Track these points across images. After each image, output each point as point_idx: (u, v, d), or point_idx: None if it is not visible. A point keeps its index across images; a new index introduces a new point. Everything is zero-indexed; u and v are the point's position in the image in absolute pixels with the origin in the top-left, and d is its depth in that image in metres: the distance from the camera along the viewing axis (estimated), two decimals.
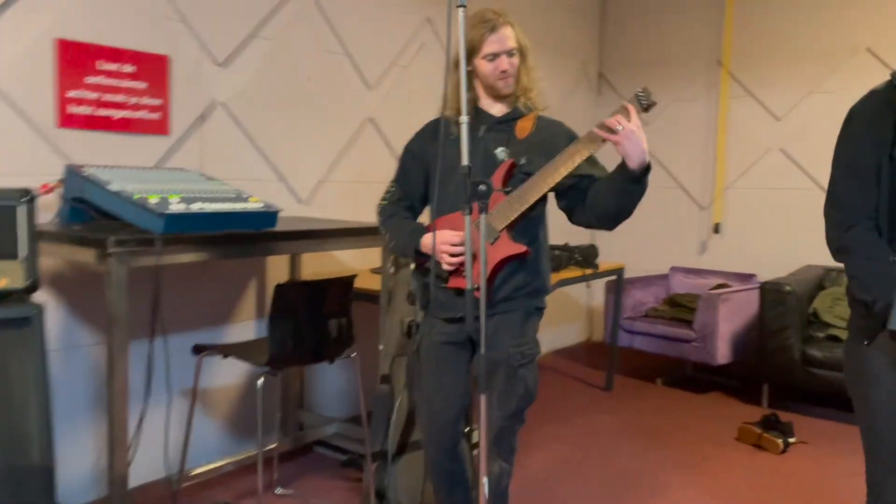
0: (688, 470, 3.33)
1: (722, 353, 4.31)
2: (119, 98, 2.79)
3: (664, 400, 4.41)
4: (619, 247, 4.94)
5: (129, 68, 2.81)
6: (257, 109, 3.28)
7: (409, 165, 2.40)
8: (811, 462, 3.44)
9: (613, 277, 4.56)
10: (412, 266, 2.39)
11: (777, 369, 4.12)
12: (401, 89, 3.98)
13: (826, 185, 1.91)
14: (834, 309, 4.21)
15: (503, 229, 2.18)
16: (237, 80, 3.20)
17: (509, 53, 2.17)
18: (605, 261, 4.43)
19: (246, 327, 3.33)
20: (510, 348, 2.25)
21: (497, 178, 2.21)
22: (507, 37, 2.18)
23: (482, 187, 1.70)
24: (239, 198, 2.54)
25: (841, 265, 1.92)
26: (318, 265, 3.57)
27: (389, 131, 3.93)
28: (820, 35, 4.79)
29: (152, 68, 2.89)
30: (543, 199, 2.20)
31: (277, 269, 3.40)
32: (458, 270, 2.22)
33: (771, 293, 4.11)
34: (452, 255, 2.18)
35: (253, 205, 2.51)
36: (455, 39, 2.21)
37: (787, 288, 4.07)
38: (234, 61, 3.19)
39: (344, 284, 2.58)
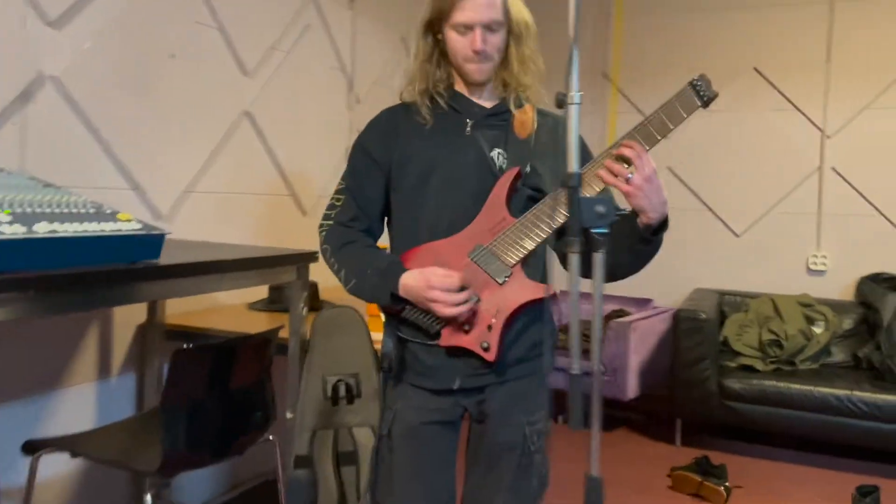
0: None
1: (632, 387, 3.97)
2: None
3: (572, 442, 3.95)
4: None
5: None
6: (103, 89, 2.38)
7: (366, 171, 1.70)
8: None
9: None
10: (382, 316, 1.69)
11: (693, 403, 3.83)
12: (281, 79, 3.20)
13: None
14: (742, 337, 4.02)
15: (517, 264, 1.57)
16: (75, 46, 2.28)
17: (488, 27, 1.55)
18: None
19: (84, 392, 2.38)
20: (527, 427, 1.65)
21: (500, 193, 1.61)
22: (489, 4, 1.55)
23: (601, 208, 1.07)
24: (101, 214, 1.68)
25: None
26: (180, 301, 2.69)
27: (269, 130, 3.14)
28: (708, 53, 4.66)
29: None
30: None
31: (127, 308, 2.49)
32: (454, 324, 1.58)
33: (686, 321, 3.82)
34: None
35: (126, 225, 1.67)
36: None
37: (703, 315, 3.81)
38: (73, 21, 2.27)
39: (259, 344, 1.80)
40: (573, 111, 1.09)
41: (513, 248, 1.55)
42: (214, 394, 1.67)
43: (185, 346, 1.53)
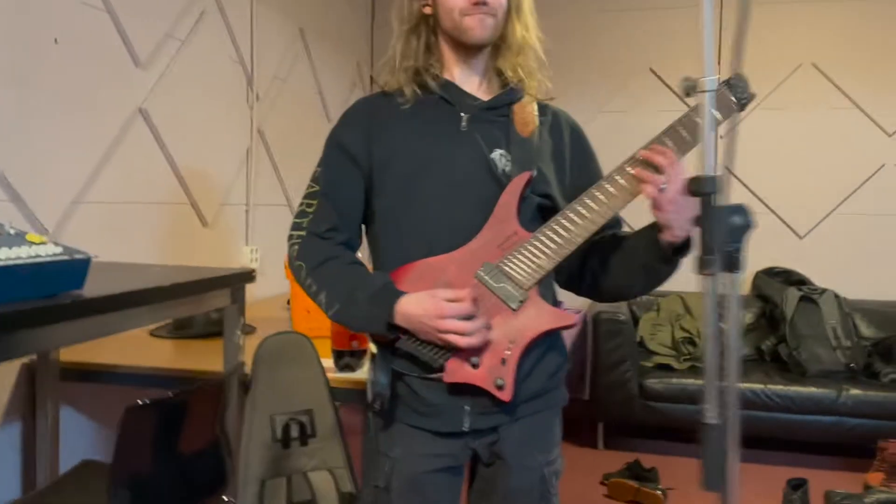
0: None
1: None
2: None
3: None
4: None
5: None
6: None
7: (344, 170, 1.44)
8: None
9: None
10: (371, 346, 1.43)
11: (615, 406, 3.79)
12: (178, 71, 2.80)
13: None
14: (656, 336, 4.03)
15: (533, 287, 1.38)
16: None
17: None
18: None
19: None
20: (545, 468, 1.45)
21: (510, 201, 1.40)
22: None
23: (738, 219, 0.89)
24: (8, 237, 1.30)
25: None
26: None
27: (165, 129, 2.73)
28: (606, 54, 4.69)
29: None
30: None
31: None
32: (461, 356, 1.36)
33: (606, 324, 3.77)
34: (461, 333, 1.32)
35: (43, 249, 1.30)
36: None
37: (622, 317, 3.78)
38: None
39: (211, 393, 1.49)
40: (706, 100, 0.89)
41: (528, 268, 1.35)
42: (164, 459, 1.34)
43: (138, 401, 1.19)
